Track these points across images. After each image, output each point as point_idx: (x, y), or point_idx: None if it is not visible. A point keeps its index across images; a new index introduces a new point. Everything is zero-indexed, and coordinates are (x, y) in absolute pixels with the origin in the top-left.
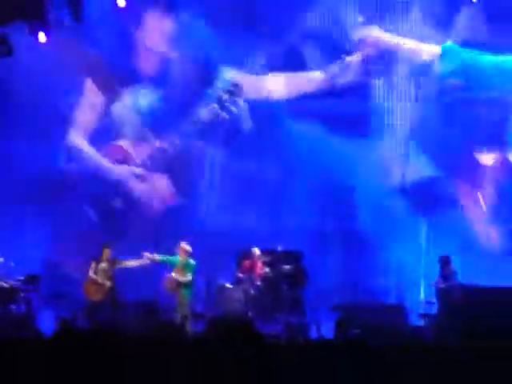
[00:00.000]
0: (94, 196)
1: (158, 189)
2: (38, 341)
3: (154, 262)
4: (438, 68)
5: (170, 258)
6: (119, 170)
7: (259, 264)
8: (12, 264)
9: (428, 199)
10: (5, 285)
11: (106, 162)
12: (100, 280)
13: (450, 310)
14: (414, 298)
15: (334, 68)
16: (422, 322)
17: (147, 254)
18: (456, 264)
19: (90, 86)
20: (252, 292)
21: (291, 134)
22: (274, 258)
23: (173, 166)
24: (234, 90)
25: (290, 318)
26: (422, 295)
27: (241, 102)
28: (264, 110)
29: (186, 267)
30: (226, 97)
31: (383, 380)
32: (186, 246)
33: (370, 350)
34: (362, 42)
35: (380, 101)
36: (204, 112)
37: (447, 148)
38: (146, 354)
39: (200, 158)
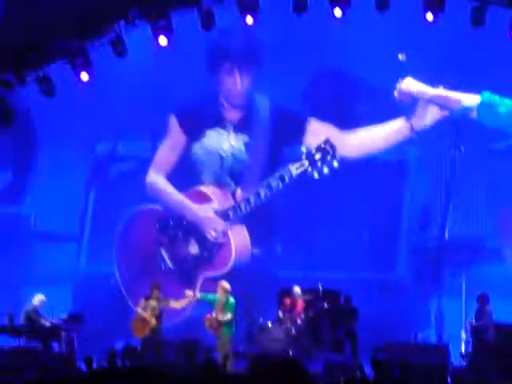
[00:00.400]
0: (172, 238)
1: (235, 240)
2: (79, 380)
3: (194, 300)
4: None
5: (211, 296)
6: (203, 211)
7: (300, 302)
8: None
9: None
10: (47, 324)
11: (189, 203)
12: (147, 317)
13: (483, 349)
14: (456, 338)
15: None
16: (463, 362)
17: (188, 292)
18: (496, 305)
19: (174, 123)
20: (293, 331)
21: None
22: (314, 297)
23: (252, 217)
24: (326, 147)
25: (331, 358)
26: (464, 335)
27: (335, 162)
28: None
29: (225, 306)
30: (318, 156)
31: None
32: (225, 284)
33: None
34: (401, 93)
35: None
36: (293, 169)
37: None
38: None
39: (281, 212)
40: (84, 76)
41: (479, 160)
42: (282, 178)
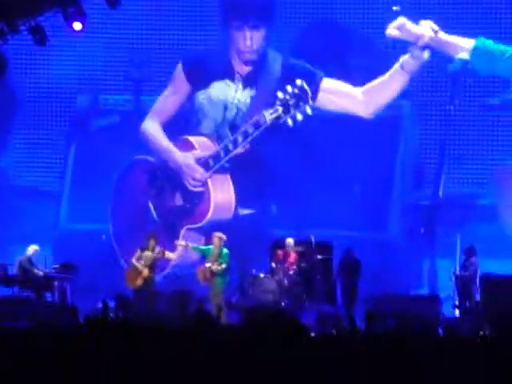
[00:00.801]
0: (159, 190)
1: (216, 191)
2: (71, 329)
3: (187, 250)
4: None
5: (204, 247)
6: (183, 157)
7: (292, 254)
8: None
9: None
10: (40, 273)
11: (173, 150)
12: (140, 267)
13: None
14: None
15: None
16: (456, 313)
17: (181, 242)
18: (489, 263)
19: (179, 70)
20: (286, 282)
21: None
22: (307, 249)
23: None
24: (301, 94)
25: (324, 309)
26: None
27: (308, 108)
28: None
29: (219, 256)
30: (292, 101)
31: (415, 372)
32: (220, 234)
33: (405, 342)
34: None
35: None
36: (267, 115)
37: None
38: (182, 344)
39: (272, 170)
40: (77, 25)
41: (474, 115)
42: (256, 125)
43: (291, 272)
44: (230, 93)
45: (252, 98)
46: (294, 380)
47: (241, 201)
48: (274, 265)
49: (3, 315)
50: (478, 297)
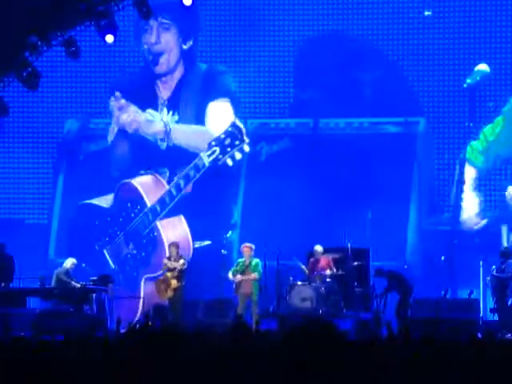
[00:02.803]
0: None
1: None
2: (108, 341)
3: None
4: None
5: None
6: None
7: (322, 260)
8: (83, 265)
9: None
10: (77, 285)
11: None
12: (168, 278)
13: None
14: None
15: None
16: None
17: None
18: None
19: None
20: (323, 289)
21: None
22: (343, 255)
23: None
24: (235, 132)
25: (361, 315)
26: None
27: (245, 146)
28: None
29: (250, 266)
30: (228, 141)
31: (453, 377)
32: (249, 244)
33: (439, 348)
34: None
35: None
36: (204, 157)
37: None
38: (218, 354)
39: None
40: (109, 38)
41: None
42: (196, 168)
43: (328, 279)
44: (156, 125)
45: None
46: None
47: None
48: (308, 273)
49: (42, 329)
50: None
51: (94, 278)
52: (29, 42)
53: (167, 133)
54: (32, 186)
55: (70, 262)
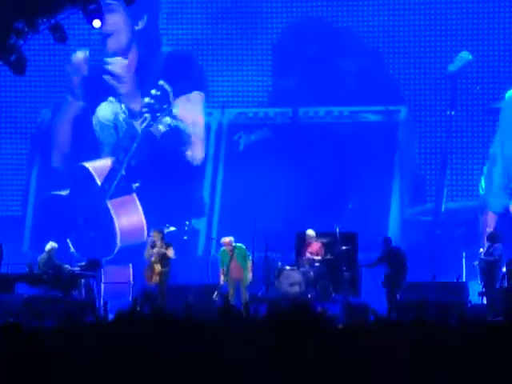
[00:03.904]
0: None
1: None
2: (98, 326)
3: None
4: None
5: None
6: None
7: (314, 244)
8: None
9: None
10: (65, 266)
11: None
12: (153, 263)
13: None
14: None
15: None
16: (482, 300)
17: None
18: None
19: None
20: (311, 274)
21: None
22: (332, 240)
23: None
24: (163, 95)
25: (350, 299)
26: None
27: (174, 109)
28: None
29: (238, 253)
30: (157, 105)
31: (442, 360)
32: (225, 239)
33: (429, 330)
34: None
35: None
36: (137, 125)
37: None
38: (205, 339)
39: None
40: (96, 23)
41: (478, 121)
42: (131, 138)
43: (317, 264)
44: (117, 111)
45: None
46: (316, 370)
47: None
48: (297, 257)
49: (30, 314)
50: (505, 282)
51: (82, 263)
52: (15, 27)
53: None
54: (6, 178)
55: (49, 246)
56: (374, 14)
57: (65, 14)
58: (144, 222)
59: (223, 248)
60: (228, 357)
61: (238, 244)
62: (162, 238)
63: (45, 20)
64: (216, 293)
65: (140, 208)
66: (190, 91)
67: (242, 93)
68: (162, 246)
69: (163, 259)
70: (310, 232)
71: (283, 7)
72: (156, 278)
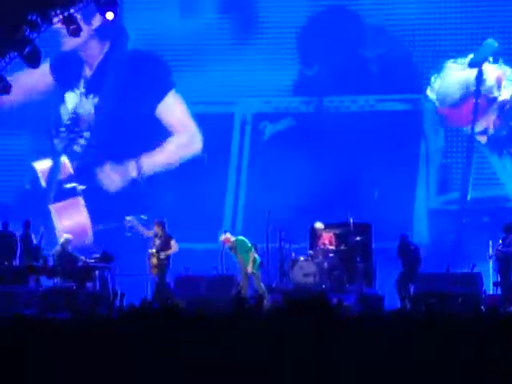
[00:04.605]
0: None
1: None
2: (110, 318)
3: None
4: None
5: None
6: None
7: (324, 236)
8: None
9: None
10: (81, 258)
11: None
12: (152, 256)
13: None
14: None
15: None
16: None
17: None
18: None
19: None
20: (326, 265)
21: None
22: (346, 230)
23: None
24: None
25: (364, 290)
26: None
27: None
28: None
29: (237, 250)
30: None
31: (456, 350)
32: (223, 236)
33: (445, 320)
34: None
35: None
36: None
37: None
38: (221, 328)
39: None
40: (109, 15)
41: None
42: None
43: (331, 254)
44: (78, 103)
45: (96, 106)
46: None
47: None
48: (310, 250)
49: (45, 306)
50: None
51: (97, 255)
52: (29, 19)
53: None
54: None
55: (63, 238)
56: (399, 1)
57: (78, 6)
58: (88, 224)
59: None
60: (237, 345)
61: (239, 237)
62: (164, 230)
63: (58, 12)
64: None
65: (84, 210)
66: (163, 92)
67: (268, 82)
68: (162, 236)
69: (163, 251)
70: (318, 224)
71: None
72: (155, 271)
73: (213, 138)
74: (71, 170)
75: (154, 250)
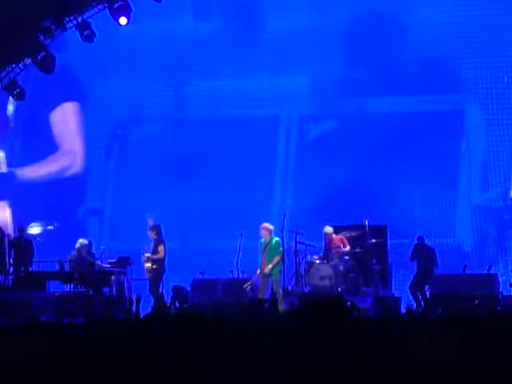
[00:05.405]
0: None
1: None
2: (127, 323)
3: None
4: None
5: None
6: None
7: (335, 239)
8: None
9: None
10: (97, 262)
11: None
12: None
13: None
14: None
15: None
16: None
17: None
18: None
19: None
20: (341, 267)
21: None
22: (361, 233)
23: None
24: None
25: (380, 292)
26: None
27: None
28: None
29: (270, 246)
30: None
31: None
32: (266, 224)
33: (459, 322)
34: None
35: None
36: None
37: None
38: (235, 333)
39: None
40: (123, 20)
41: None
42: None
43: (346, 257)
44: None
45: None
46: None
47: None
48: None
49: (62, 311)
50: None
51: (113, 260)
52: (43, 25)
53: None
54: None
55: (78, 244)
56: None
57: (91, 11)
58: (10, 227)
59: (261, 239)
60: (251, 348)
61: (276, 238)
62: (157, 234)
63: (72, 18)
64: (248, 283)
65: (8, 214)
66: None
67: (311, 83)
68: (155, 241)
69: (151, 258)
70: (328, 229)
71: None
72: (149, 275)
73: (259, 140)
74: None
75: (147, 255)
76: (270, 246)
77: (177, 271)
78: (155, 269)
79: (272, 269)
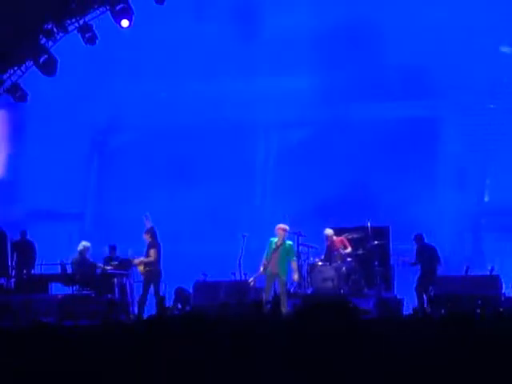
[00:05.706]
0: None
1: None
2: (130, 325)
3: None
4: None
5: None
6: None
7: (335, 240)
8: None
9: None
10: (99, 265)
11: None
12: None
13: None
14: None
15: None
16: None
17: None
18: None
19: None
20: (344, 269)
21: None
22: (364, 235)
23: None
24: None
25: (382, 294)
26: None
27: None
28: None
29: (285, 249)
30: None
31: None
32: (283, 226)
33: (461, 323)
34: None
35: None
36: None
37: None
38: (236, 334)
39: None
40: (124, 23)
41: None
42: None
43: (349, 259)
44: None
45: None
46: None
47: None
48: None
49: (64, 314)
50: None
51: (115, 262)
52: (45, 28)
53: None
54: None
55: (81, 246)
56: (414, 7)
57: (93, 14)
58: None
59: (273, 238)
60: (254, 351)
61: (289, 241)
62: (152, 237)
63: (74, 20)
64: (252, 278)
65: None
66: None
67: (290, 92)
68: (149, 244)
69: (145, 261)
70: (328, 231)
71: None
72: (143, 277)
73: (236, 146)
74: None
75: (141, 258)
76: (284, 248)
77: (179, 273)
78: (148, 271)
79: (283, 271)
